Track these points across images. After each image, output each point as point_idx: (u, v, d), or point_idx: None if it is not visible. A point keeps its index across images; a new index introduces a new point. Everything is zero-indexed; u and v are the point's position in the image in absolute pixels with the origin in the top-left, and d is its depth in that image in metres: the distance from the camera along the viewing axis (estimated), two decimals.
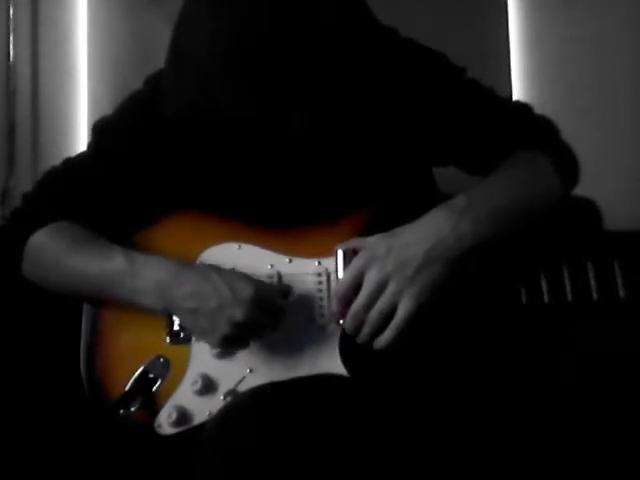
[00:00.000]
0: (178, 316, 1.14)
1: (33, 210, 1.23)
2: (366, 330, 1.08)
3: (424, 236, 1.08)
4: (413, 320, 1.05)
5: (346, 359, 1.11)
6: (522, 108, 1.29)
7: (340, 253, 1.14)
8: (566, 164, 1.24)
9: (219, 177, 1.21)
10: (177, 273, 1.11)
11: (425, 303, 1.06)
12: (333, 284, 1.14)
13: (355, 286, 1.08)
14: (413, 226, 1.10)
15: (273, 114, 1.08)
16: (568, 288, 1.11)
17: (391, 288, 1.06)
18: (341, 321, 1.10)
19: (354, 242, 1.13)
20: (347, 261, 1.12)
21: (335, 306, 1.10)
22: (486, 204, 1.10)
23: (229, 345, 1.11)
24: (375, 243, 1.09)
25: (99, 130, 1.26)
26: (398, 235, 1.09)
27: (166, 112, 1.14)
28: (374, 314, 1.07)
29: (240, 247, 1.19)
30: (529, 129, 1.25)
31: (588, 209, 1.67)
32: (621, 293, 1.10)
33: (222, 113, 1.08)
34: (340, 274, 1.13)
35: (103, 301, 1.20)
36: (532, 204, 1.16)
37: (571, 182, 1.25)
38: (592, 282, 1.10)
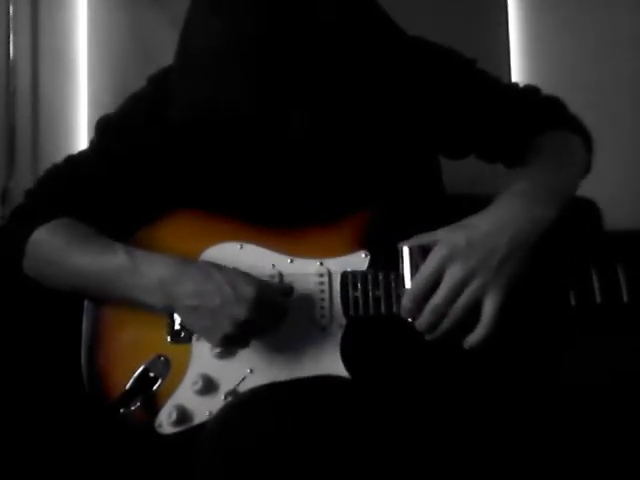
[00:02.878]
0: (179, 314, 1.13)
1: (35, 207, 1.22)
2: (446, 325, 1.05)
3: (503, 225, 1.05)
4: (502, 314, 1.03)
5: (347, 360, 1.11)
6: (534, 91, 1.31)
7: (406, 250, 1.10)
8: (588, 139, 1.27)
9: (220, 176, 1.21)
10: (179, 270, 1.10)
11: (511, 295, 1.03)
12: (335, 284, 1.14)
13: (434, 282, 1.06)
14: (487, 216, 1.07)
15: (273, 114, 1.07)
16: (572, 292, 1.10)
17: (476, 282, 1.03)
18: (410, 319, 1.07)
19: (420, 238, 1.10)
20: (413, 258, 1.09)
21: (409, 302, 1.07)
22: (548, 185, 1.09)
23: (230, 344, 1.10)
24: (450, 236, 1.06)
25: (102, 128, 1.26)
26: (474, 226, 1.06)
27: (172, 114, 1.13)
28: (457, 310, 1.04)
29: (242, 247, 1.18)
30: (549, 110, 1.27)
31: (588, 209, 1.67)
32: (624, 297, 1.08)
33: (223, 113, 1.08)
34: (407, 271, 1.10)
35: (104, 298, 1.20)
36: (578, 180, 1.17)
37: (591, 156, 1.27)
38: (595, 285, 1.09)
